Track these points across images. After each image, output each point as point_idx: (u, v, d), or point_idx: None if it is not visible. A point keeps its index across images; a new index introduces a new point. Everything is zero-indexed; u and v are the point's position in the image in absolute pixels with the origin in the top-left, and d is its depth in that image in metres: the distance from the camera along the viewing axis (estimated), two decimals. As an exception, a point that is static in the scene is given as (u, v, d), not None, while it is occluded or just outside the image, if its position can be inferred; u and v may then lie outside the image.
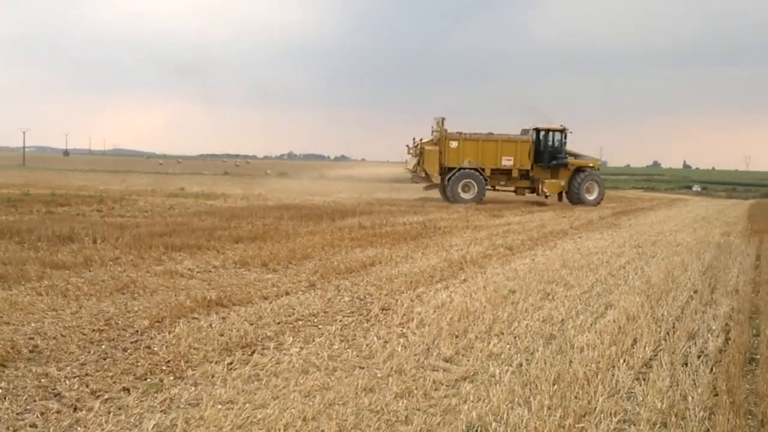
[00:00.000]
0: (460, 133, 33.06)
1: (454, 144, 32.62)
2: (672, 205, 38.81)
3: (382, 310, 8.58)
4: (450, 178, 32.51)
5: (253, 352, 6.67)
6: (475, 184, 32.70)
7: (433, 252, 13.86)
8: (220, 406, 5.27)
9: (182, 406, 5.30)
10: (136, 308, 8.09)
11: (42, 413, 5.07)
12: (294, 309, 8.37)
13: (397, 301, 9.05)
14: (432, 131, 34.11)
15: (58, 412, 5.11)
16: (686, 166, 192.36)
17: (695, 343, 7.41)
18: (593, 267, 12.47)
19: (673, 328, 7.99)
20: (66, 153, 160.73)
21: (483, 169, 32.91)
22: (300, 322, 7.84)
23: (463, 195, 32.44)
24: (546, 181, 33.95)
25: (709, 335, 7.71)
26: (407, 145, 34.41)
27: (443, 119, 33.06)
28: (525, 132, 34.45)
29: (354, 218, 20.09)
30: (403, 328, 7.75)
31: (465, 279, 10.92)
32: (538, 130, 34.23)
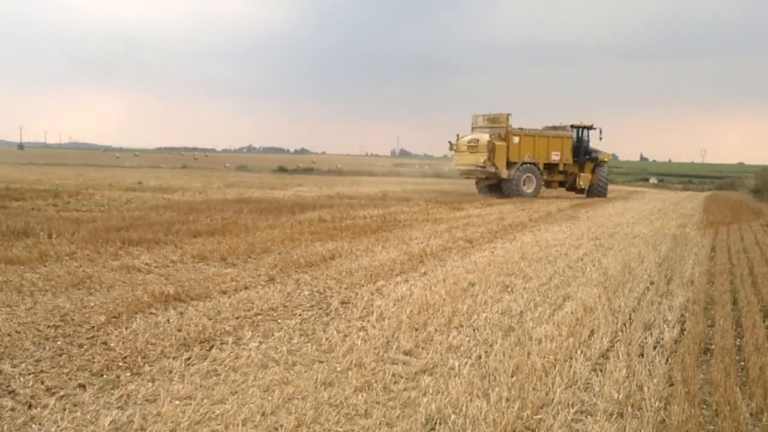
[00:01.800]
0: (521, 129, 34.30)
1: (515, 140, 33.81)
2: (629, 198, 39.27)
3: (342, 303, 8.58)
4: (514, 172, 33.69)
5: (212, 347, 6.63)
6: (534, 178, 34.41)
7: (393, 245, 13.87)
8: (177, 402, 5.23)
9: (139, 402, 5.25)
10: (92, 304, 7.99)
11: (-5, 411, 4.99)
12: (253, 303, 8.33)
13: (356, 294, 9.04)
14: (472, 128, 35.39)
15: (12, 409, 5.03)
16: (643, 159, 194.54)
17: (651, 334, 7.50)
18: (551, 259, 12.57)
19: (630, 319, 8.09)
20: (21, 146, 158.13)
21: (538, 164, 34.56)
22: (259, 317, 7.81)
23: (525, 189, 33.95)
24: (582, 174, 36.42)
25: (665, 326, 7.81)
26: (450, 142, 35.52)
27: (509, 115, 34.18)
28: (550, 128, 36.02)
29: (314, 212, 20.03)
30: (363, 321, 7.75)
31: (425, 272, 10.95)
32: (575, 127, 36.43)
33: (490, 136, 33.58)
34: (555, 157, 35.27)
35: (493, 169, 33.39)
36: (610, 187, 42.36)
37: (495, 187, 34.66)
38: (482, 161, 33.25)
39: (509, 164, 33.62)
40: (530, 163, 34.22)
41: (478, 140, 33.62)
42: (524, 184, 34.03)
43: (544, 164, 34.98)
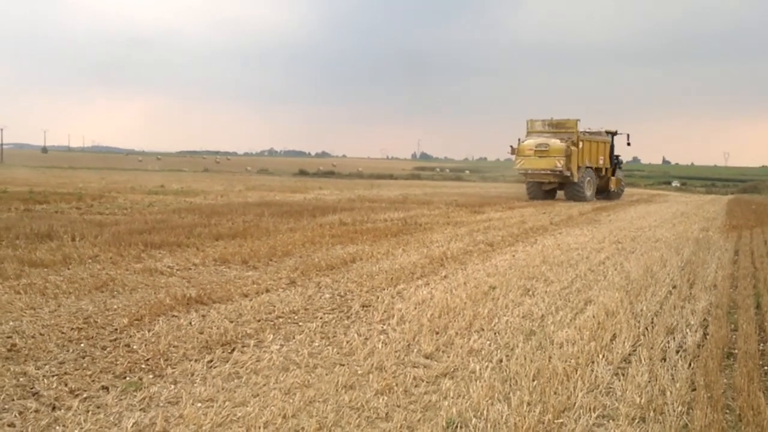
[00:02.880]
0: (584, 134, 35.32)
1: (581, 145, 34.71)
2: (651, 201, 39.05)
3: (363, 306, 8.58)
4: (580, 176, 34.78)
5: (233, 350, 6.66)
6: (592, 182, 35.81)
7: (414, 248, 13.87)
8: (199, 404, 5.26)
9: (162, 404, 5.28)
10: (115, 306, 8.05)
11: (20, 412, 5.03)
12: (274, 306, 8.35)
13: (377, 297, 9.05)
14: (528, 132, 35.99)
15: (36, 411, 5.07)
16: (665, 162, 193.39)
17: (674, 338, 7.45)
18: (573, 263, 12.52)
19: (652, 323, 8.04)
20: (44, 150, 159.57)
21: (592, 168, 35.85)
22: (280, 320, 7.83)
23: (587, 192, 35.10)
24: (612, 177, 37.84)
25: (687, 330, 7.76)
26: (511, 146, 36.18)
27: (577, 121, 35.08)
28: (590, 133, 36.57)
29: (335, 215, 20.07)
30: (384, 324, 7.75)
31: (445, 275, 10.94)
32: (608, 132, 37.85)
33: (562, 140, 34.27)
34: (600, 161, 36.48)
35: (568, 173, 34.12)
36: (633, 190, 42.75)
37: (550, 191, 35.72)
38: (559, 165, 33.92)
39: (577, 168, 34.63)
40: (589, 167, 35.35)
41: (548, 145, 34.25)
42: (587, 188, 35.13)
43: (594, 168, 36.13)
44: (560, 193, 35.75)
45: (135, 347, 6.62)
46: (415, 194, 34.61)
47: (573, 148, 34.03)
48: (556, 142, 34.15)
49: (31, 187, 29.35)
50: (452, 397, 5.51)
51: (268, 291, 9.28)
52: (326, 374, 6.01)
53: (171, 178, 48.90)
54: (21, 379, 5.68)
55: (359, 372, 6.09)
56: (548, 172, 34.52)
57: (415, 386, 5.82)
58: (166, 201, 24.24)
